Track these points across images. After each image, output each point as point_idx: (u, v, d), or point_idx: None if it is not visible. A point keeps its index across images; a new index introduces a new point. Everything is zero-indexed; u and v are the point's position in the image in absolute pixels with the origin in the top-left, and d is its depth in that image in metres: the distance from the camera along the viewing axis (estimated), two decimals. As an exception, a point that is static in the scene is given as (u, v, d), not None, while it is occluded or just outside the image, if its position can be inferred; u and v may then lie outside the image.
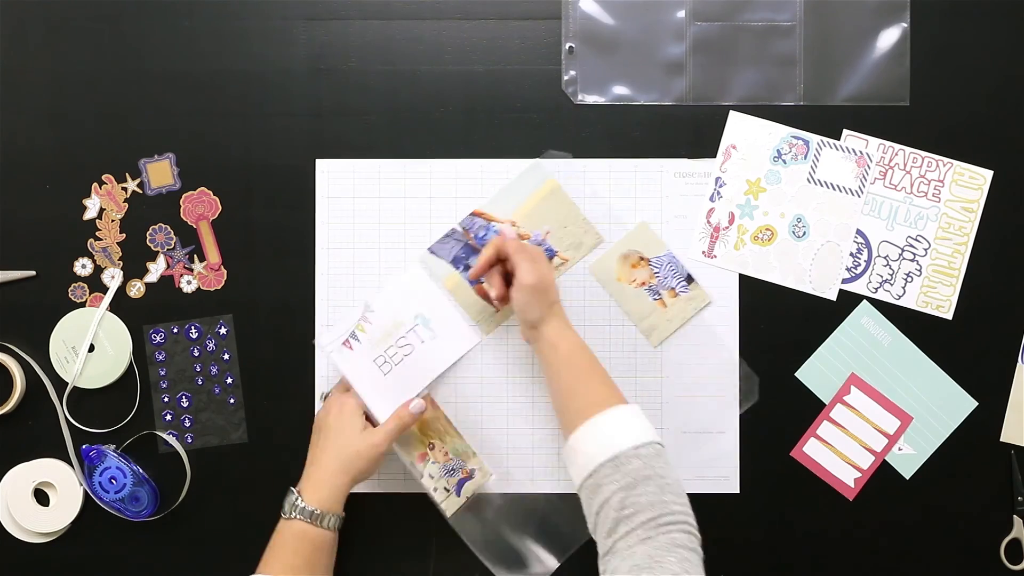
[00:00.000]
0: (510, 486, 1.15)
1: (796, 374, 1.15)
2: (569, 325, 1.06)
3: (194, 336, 1.15)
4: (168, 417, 1.15)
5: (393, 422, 1.07)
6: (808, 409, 1.15)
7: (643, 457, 0.93)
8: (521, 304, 1.05)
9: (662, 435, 1.14)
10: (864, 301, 1.14)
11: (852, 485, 1.14)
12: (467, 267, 1.13)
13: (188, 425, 1.15)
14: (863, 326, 1.14)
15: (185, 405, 1.15)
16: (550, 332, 1.04)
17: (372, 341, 1.12)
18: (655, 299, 1.14)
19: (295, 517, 1.03)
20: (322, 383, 1.15)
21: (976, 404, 1.14)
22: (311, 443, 1.09)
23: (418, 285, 1.14)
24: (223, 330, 1.15)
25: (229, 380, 1.15)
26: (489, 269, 1.09)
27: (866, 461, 1.14)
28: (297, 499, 1.04)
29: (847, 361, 1.14)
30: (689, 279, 1.14)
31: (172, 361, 1.15)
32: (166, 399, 1.15)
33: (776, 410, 1.15)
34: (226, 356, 1.15)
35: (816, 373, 1.15)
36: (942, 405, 1.14)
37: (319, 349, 1.14)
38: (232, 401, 1.15)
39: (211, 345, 1.15)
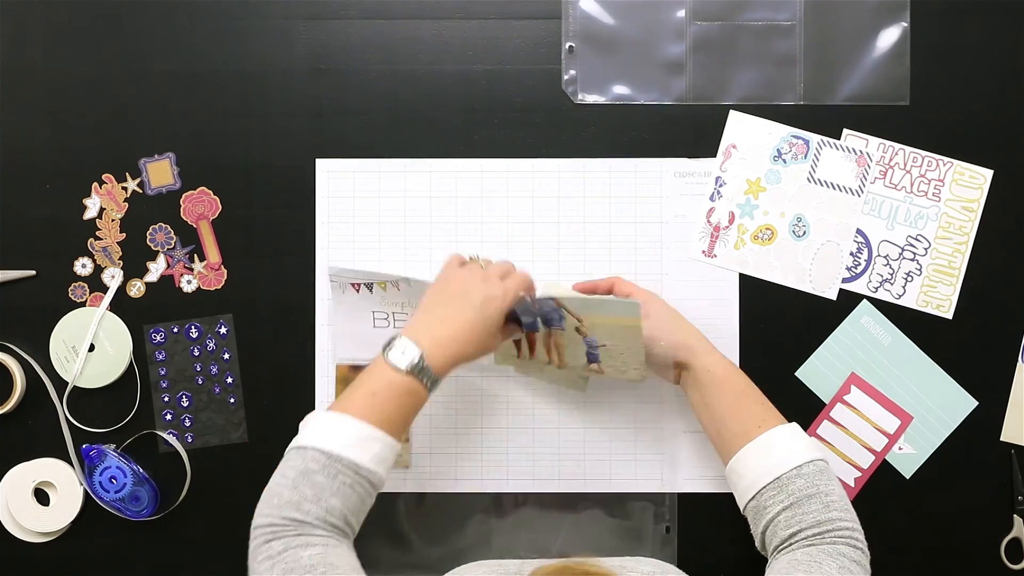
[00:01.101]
0: (509, 486, 1.15)
1: (796, 373, 1.15)
2: (713, 350, 1.05)
3: (194, 336, 1.15)
4: (168, 417, 1.15)
5: (511, 327, 1.03)
6: (808, 409, 1.15)
7: (806, 476, 0.94)
8: (662, 339, 1.04)
9: (663, 435, 1.15)
10: (864, 300, 1.14)
11: (852, 484, 1.13)
12: (517, 320, 1.06)
13: (188, 425, 1.15)
14: (863, 325, 1.14)
15: (185, 405, 1.15)
16: (703, 358, 1.04)
17: (385, 299, 1.11)
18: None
19: (413, 375, 0.93)
20: (322, 383, 1.15)
21: (976, 403, 1.14)
22: (440, 295, 0.99)
23: None
24: (223, 330, 1.15)
25: (229, 380, 1.15)
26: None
27: (866, 460, 1.14)
28: (423, 359, 0.93)
29: (847, 360, 1.14)
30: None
31: (172, 361, 1.15)
32: (166, 399, 1.15)
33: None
34: (226, 356, 1.15)
35: (816, 373, 1.15)
36: (942, 404, 1.14)
37: (327, 270, 1.12)
38: (232, 401, 1.15)
39: (211, 345, 1.15)
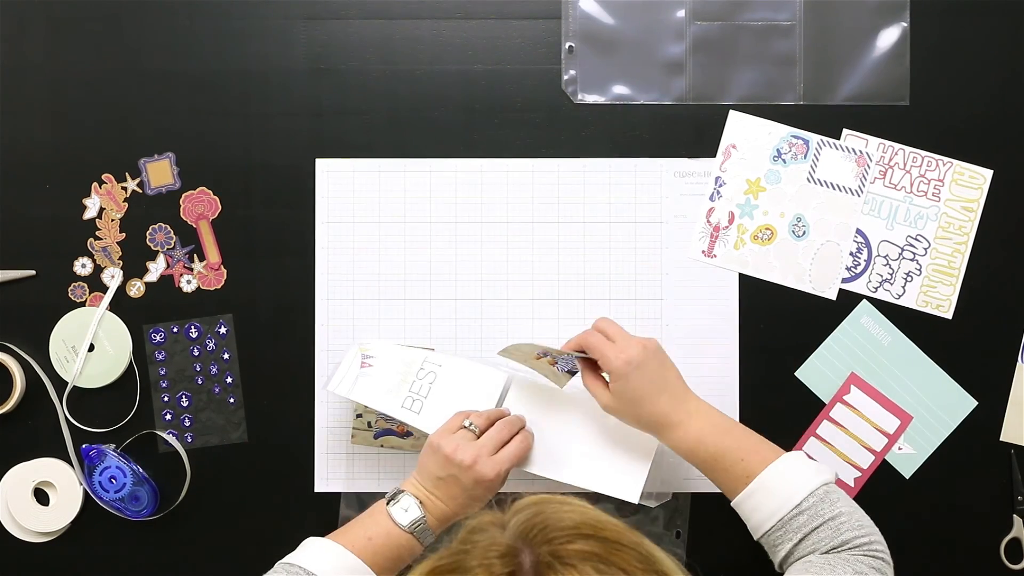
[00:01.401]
0: (509, 486, 1.15)
1: (796, 373, 1.15)
2: (680, 419, 0.99)
3: (194, 336, 1.15)
4: (168, 416, 1.15)
5: (511, 456, 1.03)
6: (808, 409, 1.15)
7: (807, 511, 0.93)
8: (627, 421, 1.02)
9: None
10: (864, 300, 1.14)
11: (852, 484, 1.13)
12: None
13: (188, 424, 1.15)
14: (863, 325, 1.14)
15: (185, 405, 1.15)
16: (667, 437, 1.00)
17: (385, 377, 1.10)
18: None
19: (412, 533, 0.98)
20: (322, 383, 1.15)
21: (976, 403, 1.14)
22: (433, 464, 1.01)
23: (485, 386, 1.11)
24: (223, 330, 1.15)
25: (229, 380, 1.15)
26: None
27: (866, 460, 1.14)
28: (423, 519, 0.98)
29: (847, 360, 1.14)
30: (571, 372, 1.08)
31: (172, 361, 1.15)
32: (166, 398, 1.15)
33: (776, 410, 1.14)
34: (226, 356, 1.15)
35: (816, 373, 1.14)
36: (942, 404, 1.14)
37: (329, 391, 1.10)
38: (232, 401, 1.15)
39: (211, 345, 1.15)
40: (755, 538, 0.97)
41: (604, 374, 1.02)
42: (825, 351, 1.14)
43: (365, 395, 1.09)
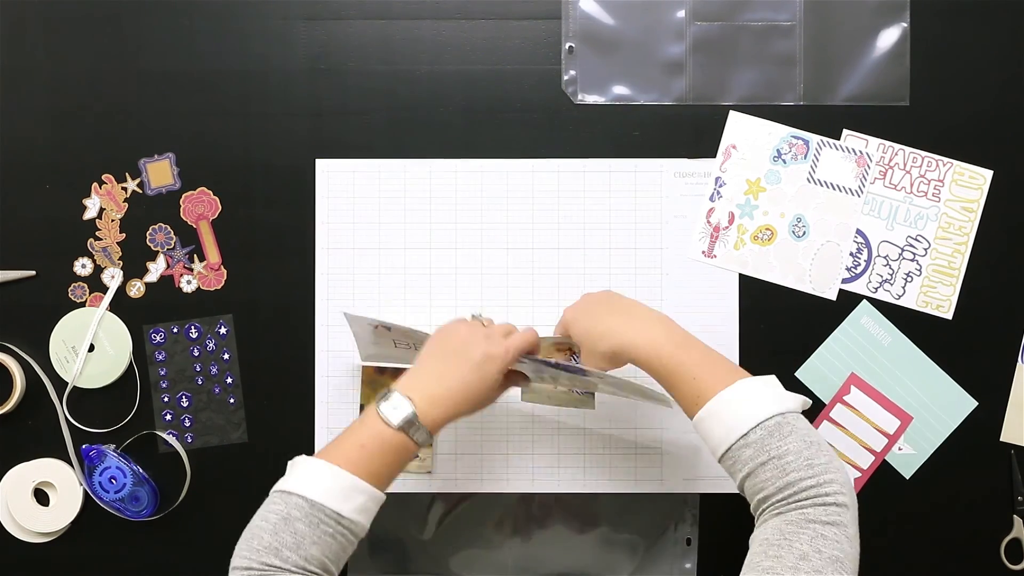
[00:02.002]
0: (510, 486, 1.15)
1: (796, 374, 1.15)
2: (637, 331, 0.97)
3: (194, 336, 1.15)
4: (168, 417, 1.15)
5: (513, 380, 1.03)
6: (808, 409, 1.14)
7: (753, 444, 0.87)
8: (588, 354, 1.01)
9: (663, 436, 1.15)
10: (864, 301, 1.14)
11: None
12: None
13: (188, 425, 1.15)
14: (863, 326, 1.14)
15: (185, 405, 1.15)
16: (628, 356, 0.98)
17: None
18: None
19: (404, 431, 0.93)
20: (322, 383, 1.15)
21: (976, 404, 1.14)
22: (438, 348, 0.99)
23: None
24: (223, 330, 1.15)
25: (229, 380, 1.15)
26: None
27: (866, 461, 1.14)
28: (415, 416, 0.93)
29: (847, 361, 1.14)
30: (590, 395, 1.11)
31: (172, 361, 1.15)
32: (166, 399, 1.15)
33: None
34: (226, 356, 1.15)
35: (816, 373, 1.15)
36: (942, 405, 1.14)
37: (343, 316, 1.11)
38: (232, 401, 1.15)
39: (211, 345, 1.15)
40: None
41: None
42: (825, 351, 1.14)
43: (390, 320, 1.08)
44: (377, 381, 1.14)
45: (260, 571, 0.86)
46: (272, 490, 0.91)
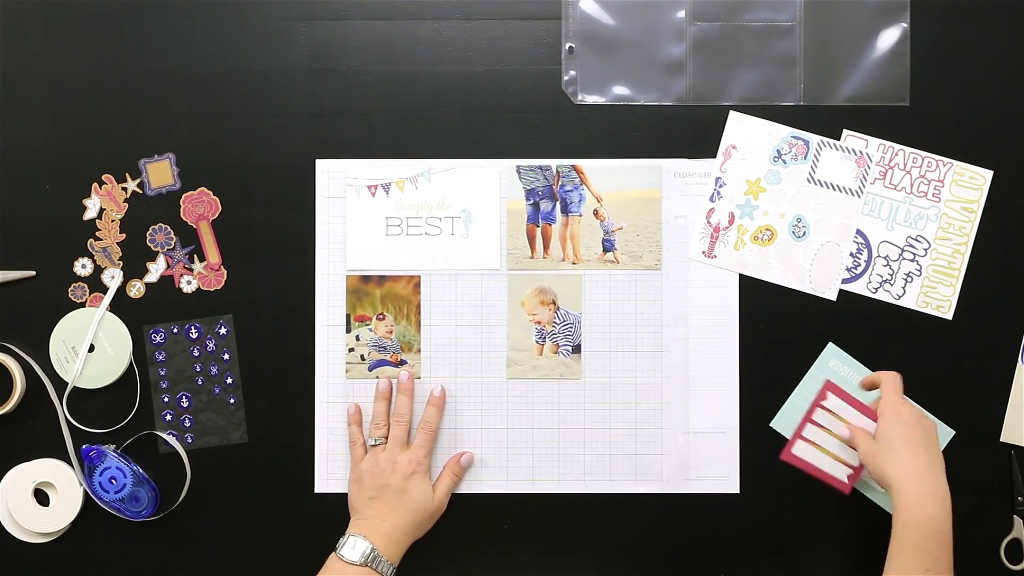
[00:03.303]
0: (510, 486, 1.15)
1: (771, 424, 1.14)
2: (921, 492, 1.00)
3: (194, 336, 1.15)
4: (168, 417, 1.15)
5: (449, 479, 1.13)
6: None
7: None
8: (870, 467, 1.05)
9: (663, 436, 1.15)
10: (829, 344, 1.14)
11: (846, 480, 1.13)
12: (536, 205, 1.13)
13: (188, 425, 1.15)
14: (832, 368, 1.14)
15: (185, 405, 1.15)
16: (895, 498, 1.01)
17: (402, 203, 1.13)
18: (537, 342, 1.14)
19: (368, 565, 1.04)
20: (322, 383, 1.15)
21: (953, 432, 1.14)
22: (361, 493, 1.09)
23: (485, 184, 1.14)
24: (223, 330, 1.15)
25: (229, 380, 1.15)
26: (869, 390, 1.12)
27: (855, 459, 1.13)
28: (374, 550, 1.05)
29: None
30: (576, 349, 1.14)
31: (172, 361, 1.15)
32: (166, 399, 1.15)
33: (775, 411, 1.14)
34: (226, 356, 1.15)
35: (790, 421, 1.14)
36: None
37: (348, 180, 1.14)
38: (232, 401, 1.15)
39: (211, 345, 1.15)
40: None
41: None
42: (797, 398, 1.14)
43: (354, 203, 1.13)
44: (361, 289, 1.14)
45: None
46: None
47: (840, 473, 1.13)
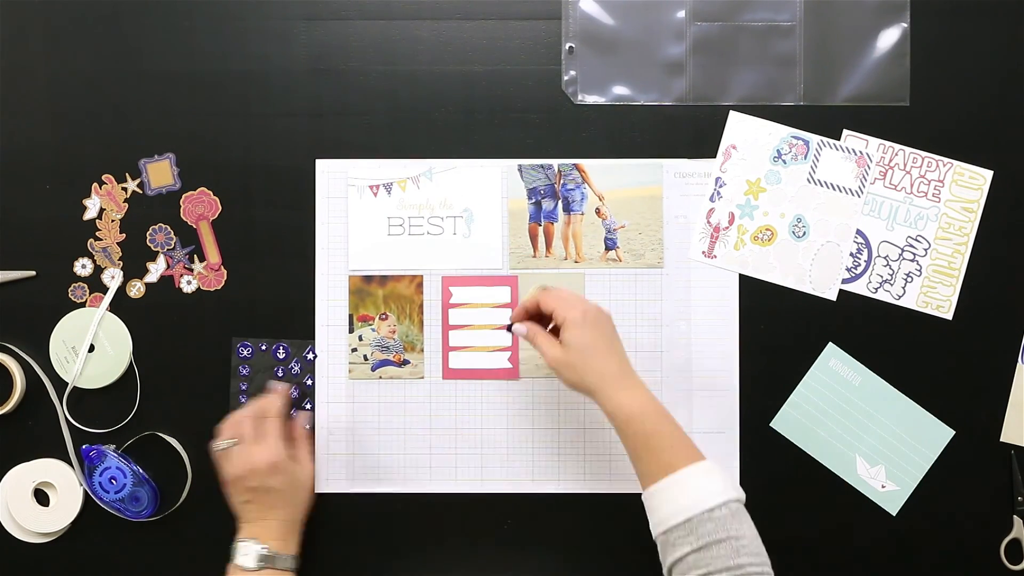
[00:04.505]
0: (510, 486, 1.15)
1: (771, 424, 1.14)
2: (625, 386, 0.99)
3: (281, 356, 1.15)
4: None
5: (306, 446, 1.13)
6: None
7: (717, 520, 0.91)
8: (564, 377, 1.02)
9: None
10: (829, 344, 1.14)
11: (511, 365, 1.14)
12: (537, 204, 1.14)
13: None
14: (832, 368, 1.14)
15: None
16: (604, 402, 0.99)
17: (404, 203, 1.13)
18: None
19: (268, 566, 1.04)
20: (322, 383, 1.15)
21: (953, 433, 1.14)
22: (235, 499, 1.08)
23: (487, 184, 1.14)
24: (311, 356, 1.14)
25: (308, 406, 1.15)
26: (527, 318, 1.07)
27: (505, 339, 1.13)
28: (269, 552, 1.04)
29: (820, 406, 1.13)
30: None
31: (255, 377, 1.14)
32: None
33: (775, 411, 1.15)
34: (309, 382, 1.15)
35: (791, 421, 1.14)
36: (919, 438, 1.13)
37: (349, 181, 1.14)
38: (307, 427, 1.15)
39: (296, 368, 1.14)
40: (655, 534, 0.95)
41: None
42: (797, 399, 1.14)
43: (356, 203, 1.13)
44: (364, 290, 1.15)
45: None
46: None
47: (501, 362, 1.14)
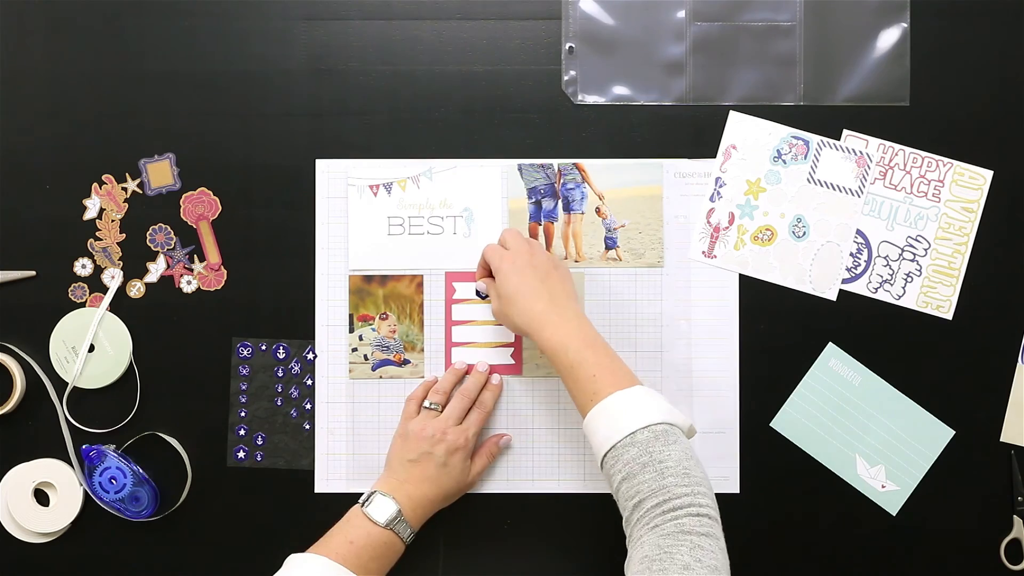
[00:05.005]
0: (510, 486, 1.15)
1: (771, 424, 1.14)
2: (551, 322, 1.00)
3: (281, 356, 1.14)
4: (242, 432, 1.14)
5: (485, 459, 1.12)
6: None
7: (639, 444, 0.90)
8: (503, 323, 1.08)
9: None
10: (829, 344, 1.14)
11: (513, 360, 1.14)
12: (538, 203, 1.14)
13: (260, 443, 1.14)
14: (831, 368, 1.14)
15: (259, 424, 1.14)
16: (535, 338, 1.02)
17: (404, 202, 1.13)
18: None
19: (391, 529, 1.03)
20: (322, 383, 1.15)
21: (953, 433, 1.14)
22: (403, 453, 1.08)
23: (487, 183, 1.15)
24: (311, 355, 1.14)
25: (308, 406, 1.15)
26: (487, 274, 1.10)
27: (506, 335, 1.14)
28: (400, 514, 1.03)
29: (820, 406, 1.13)
30: None
31: (254, 377, 1.14)
32: (243, 414, 1.14)
33: (775, 411, 1.15)
34: (308, 382, 1.15)
35: (791, 421, 1.14)
36: (919, 438, 1.13)
37: (350, 180, 1.14)
38: (307, 427, 1.15)
39: (296, 368, 1.14)
40: (599, 469, 0.95)
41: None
42: (797, 398, 1.14)
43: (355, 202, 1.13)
44: (364, 289, 1.15)
45: None
46: None
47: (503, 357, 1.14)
